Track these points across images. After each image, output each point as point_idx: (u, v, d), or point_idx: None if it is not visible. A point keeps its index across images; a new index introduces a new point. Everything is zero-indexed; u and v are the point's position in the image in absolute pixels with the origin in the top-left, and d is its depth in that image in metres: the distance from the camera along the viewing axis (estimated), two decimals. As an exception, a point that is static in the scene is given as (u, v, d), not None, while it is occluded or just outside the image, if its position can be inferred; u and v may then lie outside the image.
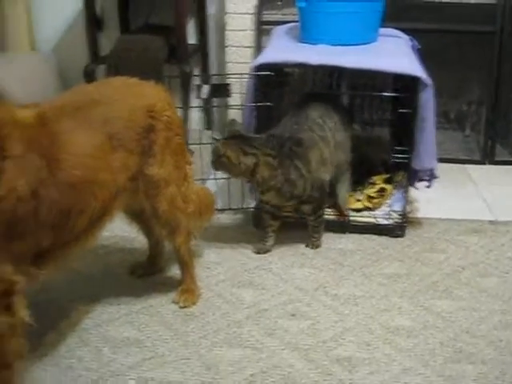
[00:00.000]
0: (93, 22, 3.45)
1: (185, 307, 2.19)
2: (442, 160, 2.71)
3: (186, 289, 2.24)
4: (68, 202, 1.75)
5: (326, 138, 2.51)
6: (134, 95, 1.98)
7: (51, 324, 2.07)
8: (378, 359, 1.94)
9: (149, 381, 1.86)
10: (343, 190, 2.68)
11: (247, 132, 2.53)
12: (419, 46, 2.91)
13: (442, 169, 2.62)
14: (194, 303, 2.21)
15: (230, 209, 2.81)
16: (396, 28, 2.98)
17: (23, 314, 1.66)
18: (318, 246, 2.57)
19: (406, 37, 2.93)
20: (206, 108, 3.46)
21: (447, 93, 3.47)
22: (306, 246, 2.58)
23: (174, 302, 2.22)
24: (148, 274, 2.38)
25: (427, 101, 2.47)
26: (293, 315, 2.15)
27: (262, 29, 3.37)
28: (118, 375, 1.88)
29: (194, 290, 2.24)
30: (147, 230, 2.32)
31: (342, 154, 2.61)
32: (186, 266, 2.23)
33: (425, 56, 2.77)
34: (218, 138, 2.49)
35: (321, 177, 2.50)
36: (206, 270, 2.41)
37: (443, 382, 1.84)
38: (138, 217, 2.24)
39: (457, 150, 3.47)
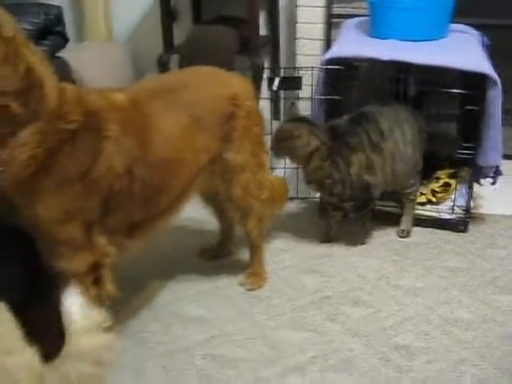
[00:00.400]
0: (167, 13, 3.53)
1: (251, 290, 2.29)
2: (506, 157, 2.70)
3: (253, 272, 2.33)
4: (156, 179, 1.84)
5: (379, 145, 2.41)
6: (218, 83, 2.07)
7: (126, 299, 2.18)
8: (436, 349, 1.99)
9: (216, 357, 1.96)
10: (405, 222, 2.64)
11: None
12: (489, 42, 2.89)
13: (506, 166, 2.62)
14: (260, 286, 2.30)
15: (297, 198, 2.86)
16: (466, 24, 2.96)
17: (111, 287, 1.78)
18: (362, 243, 2.57)
19: (475, 33, 2.91)
20: (275, 99, 3.52)
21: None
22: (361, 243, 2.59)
23: (241, 284, 2.31)
24: (217, 256, 2.47)
25: (495, 98, 2.46)
26: (355, 302, 2.22)
27: (332, 22, 3.38)
28: (187, 350, 1.99)
29: (261, 274, 2.33)
30: (220, 214, 2.41)
31: (405, 166, 2.49)
32: (256, 251, 2.32)
33: (495, 52, 2.76)
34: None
35: (364, 179, 2.43)
36: (273, 256, 2.48)
37: (500, 375, 1.88)
38: (212, 200, 2.33)
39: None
